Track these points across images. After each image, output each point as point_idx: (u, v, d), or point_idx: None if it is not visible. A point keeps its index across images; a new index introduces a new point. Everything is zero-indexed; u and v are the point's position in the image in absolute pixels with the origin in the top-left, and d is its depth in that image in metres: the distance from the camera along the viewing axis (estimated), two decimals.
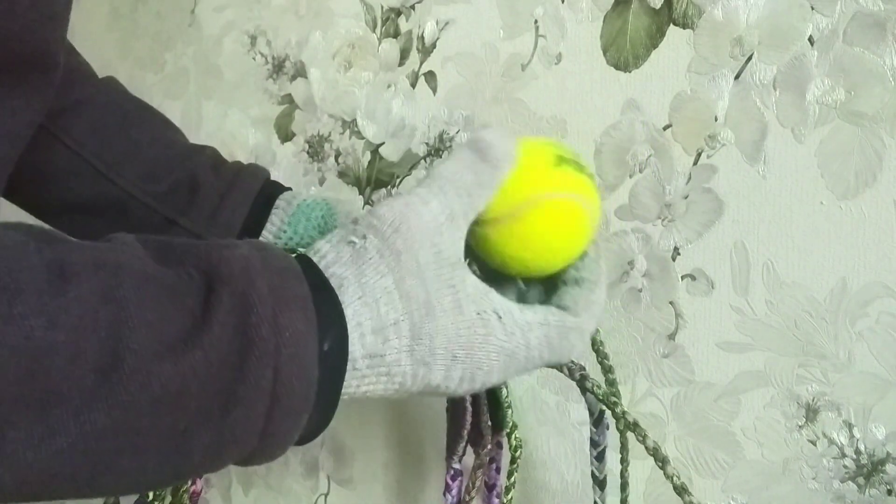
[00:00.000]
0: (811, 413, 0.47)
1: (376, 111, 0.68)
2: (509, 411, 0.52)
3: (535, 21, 0.58)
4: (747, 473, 0.50)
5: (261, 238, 0.51)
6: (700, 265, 0.51)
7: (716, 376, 0.51)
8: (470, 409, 0.50)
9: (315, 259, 0.33)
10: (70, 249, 0.28)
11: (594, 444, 0.47)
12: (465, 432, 0.51)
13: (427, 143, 0.65)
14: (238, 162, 0.55)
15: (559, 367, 0.44)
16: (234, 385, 0.28)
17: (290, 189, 0.54)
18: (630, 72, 0.53)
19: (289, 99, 0.76)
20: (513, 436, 0.51)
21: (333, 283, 0.32)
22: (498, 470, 0.54)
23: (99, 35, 0.97)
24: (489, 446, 0.52)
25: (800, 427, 0.48)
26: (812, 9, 0.46)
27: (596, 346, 0.51)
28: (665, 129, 0.52)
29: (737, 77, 0.49)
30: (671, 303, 0.52)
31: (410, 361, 0.33)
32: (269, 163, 0.78)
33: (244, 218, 0.51)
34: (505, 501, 0.52)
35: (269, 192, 0.53)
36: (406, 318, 0.33)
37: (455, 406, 0.51)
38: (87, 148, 0.51)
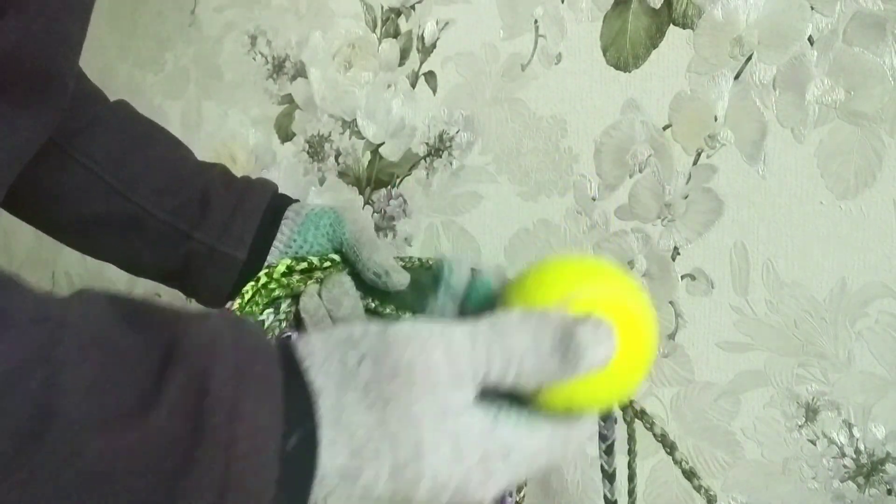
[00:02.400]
0: (811, 413, 0.47)
1: (376, 111, 0.68)
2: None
3: (535, 21, 0.58)
4: (747, 473, 0.50)
5: (272, 248, 0.52)
6: (700, 265, 0.51)
7: (715, 376, 0.51)
8: None
9: (300, 350, 0.29)
10: (11, 297, 0.25)
11: (602, 437, 0.46)
12: None
13: (427, 143, 0.65)
14: (247, 177, 0.57)
15: None
16: (178, 476, 0.25)
17: (297, 201, 0.56)
18: (630, 72, 0.53)
19: (289, 99, 0.76)
20: None
21: (311, 382, 0.28)
22: None
23: (99, 35, 0.97)
24: None
25: (799, 427, 0.48)
26: (812, 9, 0.46)
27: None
28: (665, 128, 0.52)
29: (736, 77, 0.49)
30: (671, 302, 0.52)
31: (390, 491, 0.28)
32: (270, 163, 0.78)
33: (255, 230, 0.53)
34: (518, 500, 0.52)
35: (278, 204, 0.54)
36: (389, 455, 0.28)
37: None
38: (101, 165, 0.53)
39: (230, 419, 0.25)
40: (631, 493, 0.50)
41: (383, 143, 0.68)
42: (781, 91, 0.47)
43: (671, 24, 0.51)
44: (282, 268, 0.48)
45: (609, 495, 0.47)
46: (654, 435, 0.41)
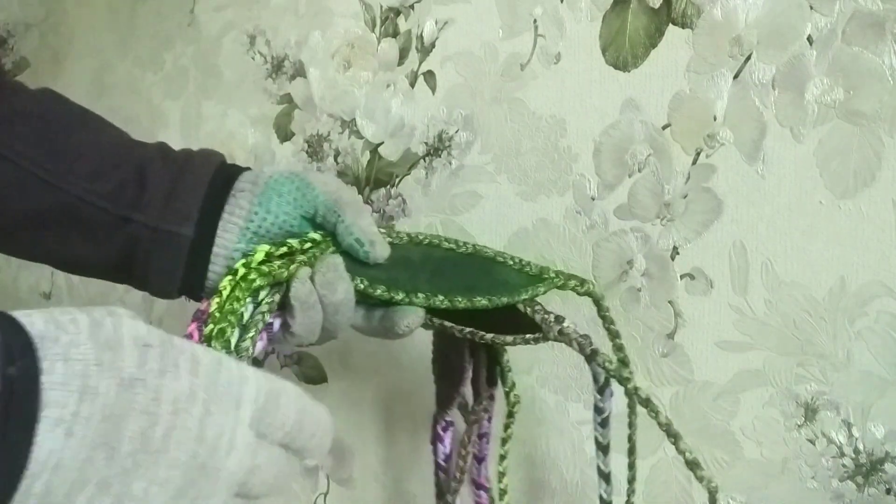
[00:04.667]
0: (810, 412, 0.48)
1: (375, 111, 0.68)
2: (510, 374, 0.52)
3: (535, 21, 0.58)
4: (746, 472, 0.50)
5: (230, 225, 0.47)
6: (699, 264, 0.51)
7: (715, 375, 0.51)
8: (470, 366, 0.51)
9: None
10: None
11: (598, 410, 0.47)
12: (462, 388, 0.52)
13: (426, 143, 0.65)
14: (188, 149, 0.52)
15: (567, 341, 0.44)
16: None
17: (249, 168, 0.51)
18: (629, 71, 0.53)
19: (288, 98, 0.76)
20: (512, 393, 0.52)
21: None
22: (486, 439, 0.55)
23: (98, 35, 0.97)
24: (483, 402, 0.52)
25: (799, 426, 0.48)
26: (811, 8, 0.46)
27: (602, 311, 0.50)
28: (664, 128, 0.52)
29: (736, 76, 0.49)
30: (670, 302, 0.52)
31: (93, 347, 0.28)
32: (269, 162, 0.78)
33: (201, 202, 0.48)
34: (503, 452, 0.52)
35: (227, 173, 0.49)
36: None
37: (449, 362, 0.52)
38: (27, 158, 0.48)
39: None
40: (631, 466, 0.51)
41: (382, 143, 0.68)
42: (781, 90, 0.47)
43: (670, 24, 0.51)
44: (260, 255, 0.44)
45: (603, 467, 0.48)
46: (660, 424, 0.41)
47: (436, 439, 0.56)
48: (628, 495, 0.51)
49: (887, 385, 0.45)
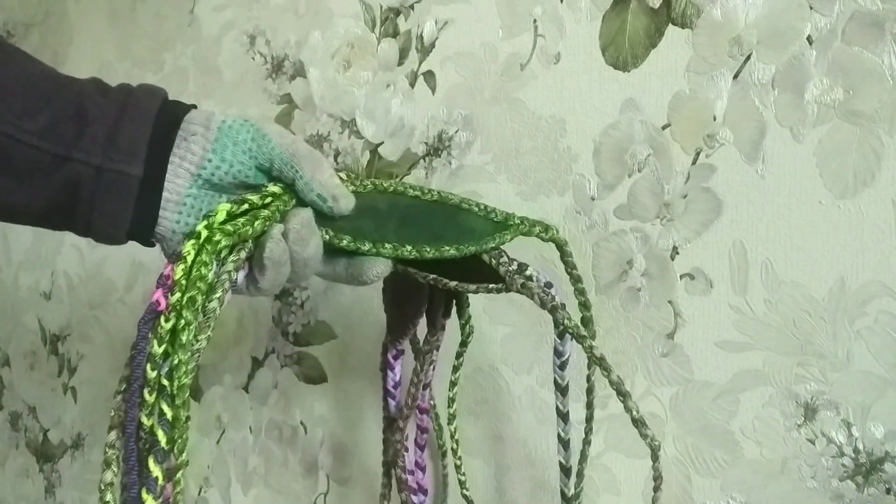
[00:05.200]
0: (810, 412, 0.48)
1: (375, 111, 0.68)
2: (468, 308, 0.55)
3: (534, 21, 0.58)
4: (746, 472, 0.50)
5: (181, 170, 0.45)
6: (699, 264, 0.51)
7: (714, 375, 0.51)
8: (426, 301, 0.53)
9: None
10: None
11: (558, 353, 0.50)
12: (417, 320, 0.54)
13: (426, 143, 0.65)
14: (127, 84, 0.48)
15: (529, 294, 0.45)
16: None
17: (194, 106, 0.48)
18: (629, 71, 0.53)
19: (288, 98, 0.76)
20: (467, 325, 0.55)
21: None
22: (433, 367, 0.57)
23: (98, 35, 0.97)
24: (437, 334, 0.54)
25: (798, 426, 0.48)
26: (811, 8, 0.46)
27: (565, 255, 0.52)
28: (664, 128, 0.52)
29: (735, 76, 0.49)
30: (670, 302, 0.52)
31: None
32: None
33: (148, 138, 0.44)
34: (453, 379, 0.56)
35: (173, 110, 0.46)
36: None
37: (403, 293, 0.53)
38: None
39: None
40: (589, 405, 0.54)
41: (382, 143, 0.68)
42: (780, 90, 0.47)
43: (670, 24, 0.51)
44: (222, 215, 0.42)
45: (561, 407, 0.51)
46: (610, 382, 0.42)
47: (386, 367, 0.58)
48: (586, 433, 0.54)
49: (887, 385, 0.45)
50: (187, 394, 0.39)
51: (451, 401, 0.57)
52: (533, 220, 0.51)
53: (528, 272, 0.46)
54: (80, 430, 1.06)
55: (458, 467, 0.59)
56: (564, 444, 0.51)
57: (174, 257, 0.40)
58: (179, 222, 0.45)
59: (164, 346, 0.38)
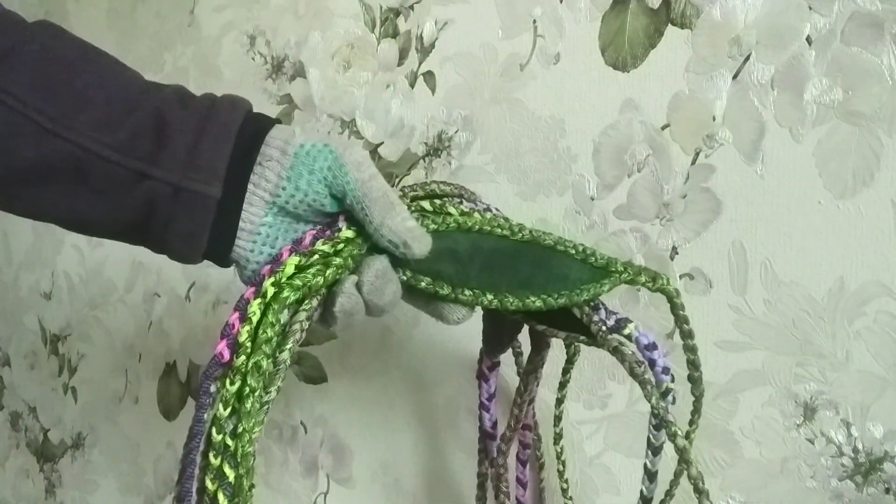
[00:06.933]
0: (809, 412, 0.48)
1: (375, 111, 0.68)
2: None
3: (534, 21, 0.58)
4: (745, 472, 0.50)
5: (255, 198, 0.43)
6: (698, 264, 0.51)
7: (714, 375, 0.51)
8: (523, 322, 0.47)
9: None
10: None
11: (650, 441, 0.44)
12: (515, 337, 0.51)
13: (426, 143, 0.65)
14: (211, 94, 0.46)
15: (620, 360, 0.40)
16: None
17: (279, 122, 0.46)
18: (628, 72, 0.53)
19: (288, 99, 0.76)
20: (573, 344, 0.50)
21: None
22: (537, 383, 0.53)
23: (98, 35, 0.97)
24: (542, 352, 0.49)
25: (798, 426, 0.48)
26: (810, 9, 0.46)
27: (676, 308, 0.44)
28: (663, 128, 0.52)
29: (735, 77, 0.49)
30: None
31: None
32: None
33: (229, 157, 0.42)
34: (560, 397, 0.52)
35: (256, 126, 0.44)
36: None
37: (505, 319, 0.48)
38: (25, 102, 0.41)
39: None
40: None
41: (382, 143, 0.68)
42: (779, 91, 0.47)
43: (669, 24, 0.51)
44: (290, 269, 0.40)
45: (646, 492, 0.44)
46: (689, 476, 0.37)
47: (481, 376, 0.54)
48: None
49: (886, 384, 0.45)
50: (252, 462, 0.37)
51: (558, 419, 0.53)
52: (638, 266, 0.44)
53: (626, 330, 0.41)
54: (80, 429, 1.07)
55: (564, 491, 0.56)
56: None
57: (250, 285, 0.40)
58: (254, 251, 0.43)
59: (229, 409, 0.37)
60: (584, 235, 0.56)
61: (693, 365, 0.45)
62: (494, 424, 0.54)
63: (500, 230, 0.44)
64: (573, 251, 0.44)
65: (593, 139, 0.55)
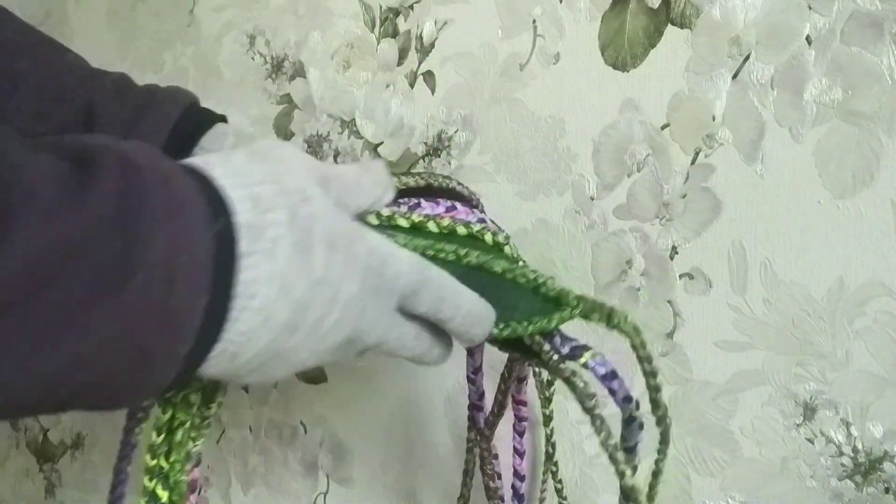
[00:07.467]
0: (809, 411, 0.48)
1: (375, 111, 0.68)
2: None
3: (534, 21, 0.58)
4: (745, 472, 0.50)
5: None
6: (698, 264, 0.51)
7: (714, 375, 0.51)
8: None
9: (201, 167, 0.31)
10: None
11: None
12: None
13: (425, 143, 0.65)
14: (153, 85, 0.43)
15: (573, 390, 0.38)
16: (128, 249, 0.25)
17: (223, 119, 0.42)
18: (628, 71, 0.53)
19: (287, 99, 0.76)
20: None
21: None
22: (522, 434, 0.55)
23: (98, 35, 0.97)
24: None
25: (797, 425, 0.48)
26: (809, 8, 0.46)
27: (637, 350, 0.39)
28: (663, 128, 0.52)
29: (734, 76, 0.49)
30: (669, 302, 0.52)
31: (290, 238, 0.31)
32: None
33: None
34: (550, 378, 0.52)
35: (195, 122, 0.42)
36: (283, 202, 0.31)
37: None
38: None
39: (164, 196, 0.27)
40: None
41: (382, 143, 0.68)
42: (779, 90, 0.47)
43: (669, 24, 0.51)
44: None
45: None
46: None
47: (468, 351, 0.51)
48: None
49: (886, 384, 0.45)
50: (184, 489, 0.38)
51: (548, 400, 0.52)
52: (594, 301, 0.39)
53: (582, 359, 0.38)
54: (80, 429, 1.07)
55: (558, 491, 0.55)
56: None
57: None
58: None
59: (161, 436, 0.38)
60: (583, 235, 0.56)
61: (655, 403, 0.40)
62: (481, 396, 0.53)
63: (449, 254, 0.40)
64: (523, 280, 0.40)
65: (593, 139, 0.55)
